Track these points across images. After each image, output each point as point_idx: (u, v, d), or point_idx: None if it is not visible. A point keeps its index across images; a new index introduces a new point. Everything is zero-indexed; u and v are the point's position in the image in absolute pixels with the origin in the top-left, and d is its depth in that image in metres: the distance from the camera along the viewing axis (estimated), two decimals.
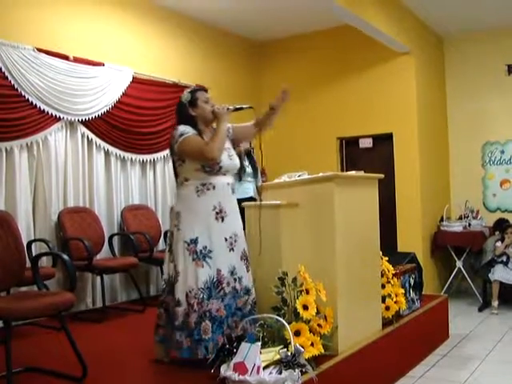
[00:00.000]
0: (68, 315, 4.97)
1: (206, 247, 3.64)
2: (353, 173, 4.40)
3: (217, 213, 3.71)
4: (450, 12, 7.37)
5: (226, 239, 3.73)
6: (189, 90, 3.94)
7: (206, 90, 4.09)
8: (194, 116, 3.79)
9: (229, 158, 3.81)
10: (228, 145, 3.88)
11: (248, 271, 3.83)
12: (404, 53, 7.46)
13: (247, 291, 3.80)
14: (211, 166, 3.68)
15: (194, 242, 3.63)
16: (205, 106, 3.82)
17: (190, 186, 3.72)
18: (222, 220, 3.73)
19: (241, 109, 3.92)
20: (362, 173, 4.45)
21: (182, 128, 3.72)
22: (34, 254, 4.94)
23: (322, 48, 8.22)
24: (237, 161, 3.91)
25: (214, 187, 3.72)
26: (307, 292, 3.66)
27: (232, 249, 3.75)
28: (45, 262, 5.29)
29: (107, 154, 6.29)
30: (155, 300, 6.15)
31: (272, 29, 8.14)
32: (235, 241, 3.78)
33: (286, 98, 3.92)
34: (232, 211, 3.80)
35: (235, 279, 3.74)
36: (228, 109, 3.80)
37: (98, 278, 5.79)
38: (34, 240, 5.39)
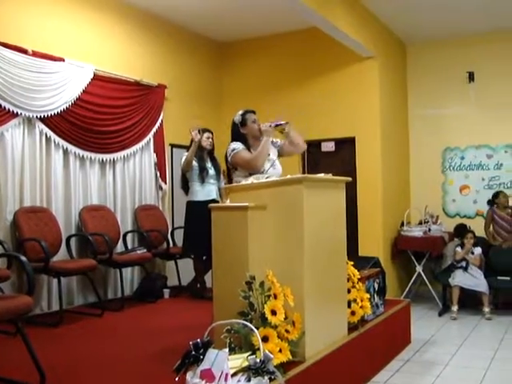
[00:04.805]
0: (22, 319, 4.78)
1: None
2: (321, 175, 4.34)
3: None
4: (413, 19, 7.44)
5: None
6: (240, 112, 4.63)
7: (253, 112, 4.68)
8: (244, 134, 4.56)
9: (272, 168, 4.46)
10: (274, 156, 4.55)
11: None
12: (368, 57, 7.47)
13: None
14: (257, 174, 4.30)
15: None
16: (253, 126, 4.57)
17: None
18: None
19: (280, 125, 4.52)
20: (330, 176, 4.39)
21: (234, 144, 4.49)
22: None
23: (285, 50, 8.20)
24: (279, 169, 4.57)
25: None
26: (275, 297, 3.57)
27: None
28: None
29: (66, 152, 6.10)
30: (113, 303, 6.07)
31: (235, 29, 8.07)
32: None
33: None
34: None
35: None
36: (270, 126, 4.46)
37: (55, 281, 5.61)
38: None
